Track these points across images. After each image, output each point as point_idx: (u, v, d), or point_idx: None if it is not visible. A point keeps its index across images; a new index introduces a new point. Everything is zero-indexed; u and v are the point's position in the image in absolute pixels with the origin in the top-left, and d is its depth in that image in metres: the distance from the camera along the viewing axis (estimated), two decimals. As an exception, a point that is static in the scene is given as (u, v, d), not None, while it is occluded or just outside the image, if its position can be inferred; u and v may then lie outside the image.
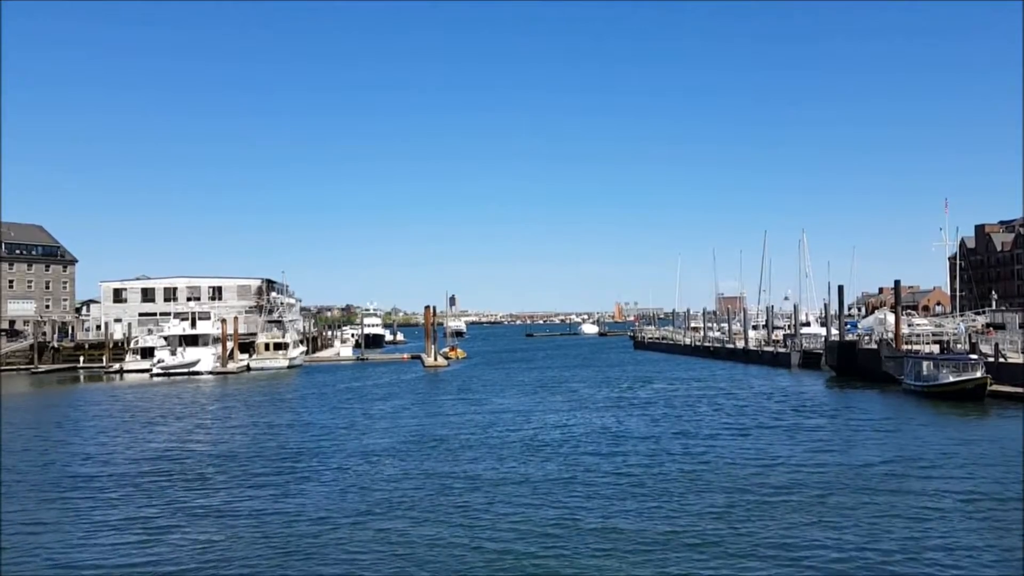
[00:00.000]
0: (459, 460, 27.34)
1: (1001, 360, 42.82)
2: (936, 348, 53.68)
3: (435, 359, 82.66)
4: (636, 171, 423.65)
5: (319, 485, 23.77)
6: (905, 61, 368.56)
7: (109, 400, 53.24)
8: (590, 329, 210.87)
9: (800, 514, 19.09)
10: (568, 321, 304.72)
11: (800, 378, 57.68)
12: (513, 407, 43.49)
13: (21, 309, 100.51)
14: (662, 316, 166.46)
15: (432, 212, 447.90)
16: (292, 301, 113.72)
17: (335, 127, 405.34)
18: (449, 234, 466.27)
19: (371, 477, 24.79)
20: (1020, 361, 43.00)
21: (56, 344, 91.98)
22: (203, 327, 78.87)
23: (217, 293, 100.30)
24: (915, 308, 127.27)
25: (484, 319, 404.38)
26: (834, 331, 63.04)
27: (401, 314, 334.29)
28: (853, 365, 55.79)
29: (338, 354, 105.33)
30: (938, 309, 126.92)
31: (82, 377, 77.24)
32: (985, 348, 45.64)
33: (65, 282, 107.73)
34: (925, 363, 43.97)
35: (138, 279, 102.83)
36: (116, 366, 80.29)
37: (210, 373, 73.93)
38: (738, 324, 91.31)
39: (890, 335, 58.52)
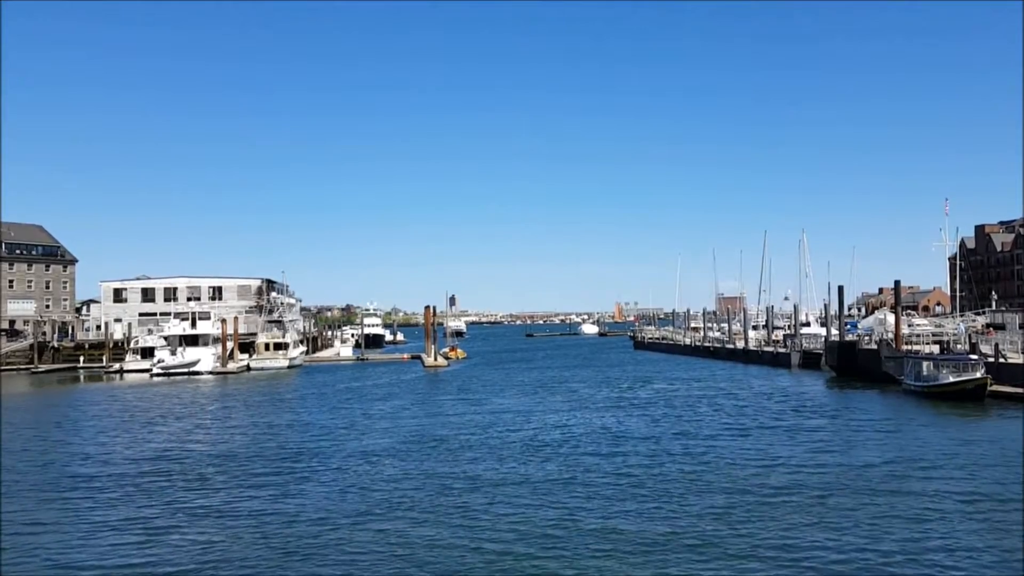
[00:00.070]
0: (459, 460, 27.33)
1: (1001, 360, 42.81)
2: (936, 348, 53.67)
3: (435, 359, 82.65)
4: (636, 171, 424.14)
5: (319, 485, 23.76)
6: (905, 61, 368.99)
7: (109, 400, 53.24)
8: (590, 329, 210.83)
9: (800, 515, 19.08)
10: (568, 321, 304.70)
11: (800, 378, 57.67)
12: (513, 407, 43.48)
13: (21, 309, 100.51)
14: (662, 316, 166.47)
15: (432, 212, 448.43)
16: (292, 301, 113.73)
17: (335, 127, 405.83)
18: (449, 234, 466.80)
19: (371, 477, 24.78)
20: (1020, 361, 42.98)
21: (56, 344, 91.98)
22: (203, 327, 78.87)
23: (217, 293, 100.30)
24: (915, 308, 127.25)
25: (484, 319, 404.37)
26: (834, 331, 63.02)
27: (401, 314, 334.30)
28: (853, 365, 55.78)
29: (338, 354, 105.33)
30: (938, 309, 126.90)
31: (82, 377, 77.24)
32: (985, 348, 45.63)
33: (65, 282, 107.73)
34: (925, 363, 43.96)
35: (138, 279, 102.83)
36: (116, 366, 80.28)
37: (210, 373, 73.92)
38: (738, 324, 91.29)
39: (890, 335, 58.49)
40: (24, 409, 48.44)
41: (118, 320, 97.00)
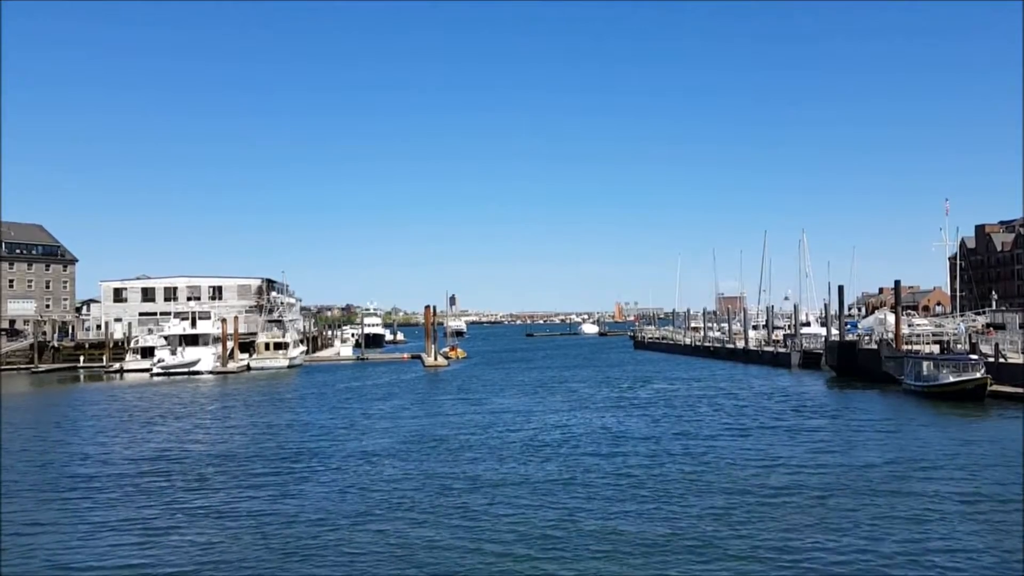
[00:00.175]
0: (459, 460, 27.31)
1: (1001, 360, 42.78)
2: (936, 348, 53.64)
3: (435, 359, 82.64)
4: (636, 171, 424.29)
5: (318, 485, 23.74)
6: (905, 61, 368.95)
7: (109, 400, 53.22)
8: (590, 329, 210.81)
9: (801, 515, 19.05)
10: (568, 321, 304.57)
11: (800, 378, 57.65)
12: (513, 407, 43.46)
13: (21, 309, 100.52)
14: (662, 316, 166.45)
15: (432, 212, 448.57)
16: (292, 301, 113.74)
17: (335, 127, 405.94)
18: (449, 234, 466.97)
19: (370, 477, 24.76)
20: (1020, 361, 42.94)
21: (56, 344, 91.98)
22: (203, 327, 78.85)
23: (217, 293, 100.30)
24: (915, 308, 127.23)
25: (484, 319, 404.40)
26: (834, 331, 63.00)
27: (401, 314, 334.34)
28: (853, 365, 55.75)
29: (338, 354, 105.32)
30: (938, 309, 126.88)
31: (82, 377, 77.23)
32: (985, 348, 45.61)
33: (65, 282, 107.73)
34: (925, 363, 43.94)
35: (138, 279, 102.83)
36: (116, 366, 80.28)
37: (210, 373, 73.91)
38: (738, 324, 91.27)
39: (890, 335, 58.47)
40: (24, 409, 48.43)
41: (118, 320, 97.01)
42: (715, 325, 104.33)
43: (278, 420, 40.03)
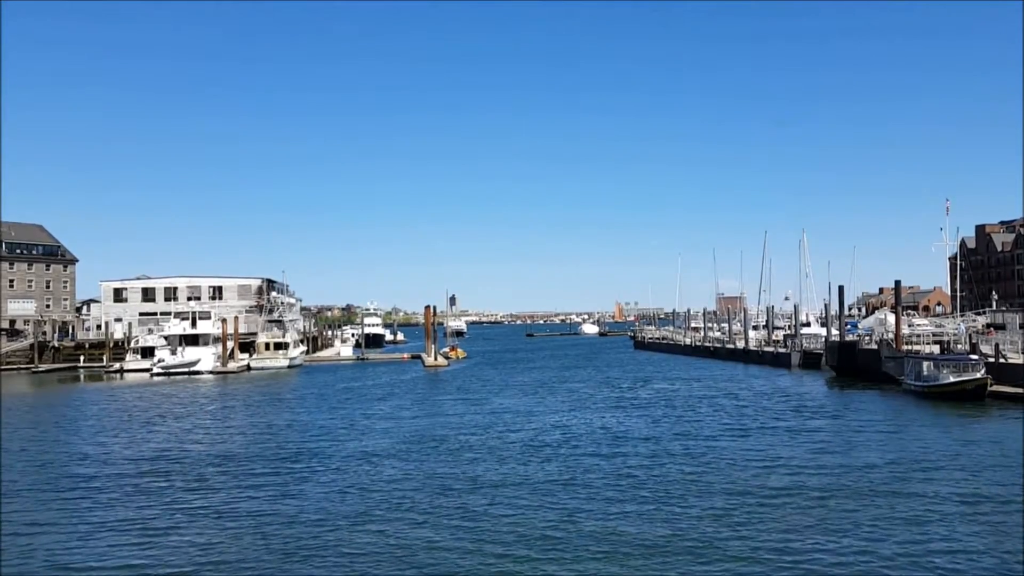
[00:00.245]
0: (459, 461, 27.30)
1: (1001, 360, 42.76)
2: (936, 348, 53.63)
3: (435, 359, 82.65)
4: (636, 171, 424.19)
5: (318, 486, 23.73)
6: (905, 61, 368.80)
7: (109, 400, 53.22)
8: (590, 329, 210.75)
9: (801, 516, 19.03)
10: (568, 321, 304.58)
11: (800, 378, 57.64)
12: (513, 407, 43.45)
13: (21, 308, 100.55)
14: (662, 316, 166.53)
15: (432, 212, 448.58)
16: (292, 301, 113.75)
17: (335, 127, 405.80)
18: (449, 234, 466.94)
19: (371, 478, 24.75)
20: (1020, 361, 42.92)
21: (56, 343, 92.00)
22: (203, 327, 78.85)
23: (217, 293, 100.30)
24: (915, 308, 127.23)
25: (484, 319, 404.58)
26: (834, 331, 63.01)
27: (401, 314, 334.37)
28: (853, 365, 55.75)
29: (338, 354, 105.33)
30: (938, 309, 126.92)
31: (82, 377, 77.24)
32: (985, 348, 45.61)
33: (65, 282, 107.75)
34: (925, 363, 43.92)
35: (138, 279, 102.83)
36: (116, 366, 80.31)
37: (210, 373, 73.92)
38: (738, 324, 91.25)
39: (890, 335, 58.45)
40: (24, 409, 48.42)
41: (118, 320, 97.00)
42: (715, 325, 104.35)
43: (278, 420, 40.03)
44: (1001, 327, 68.54)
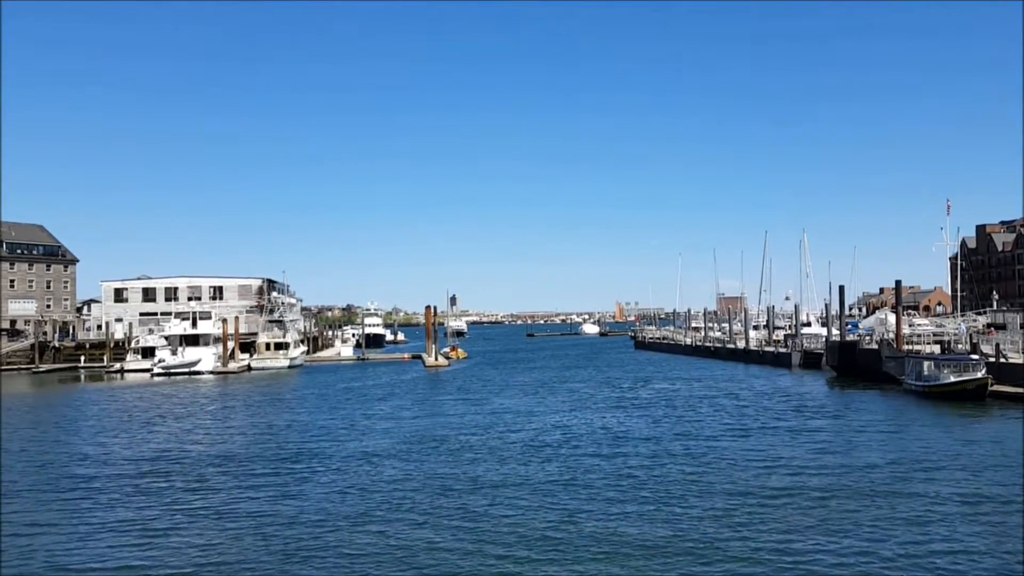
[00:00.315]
0: (459, 461, 27.29)
1: (1002, 360, 42.75)
2: (937, 348, 53.62)
3: (436, 359, 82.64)
4: (636, 171, 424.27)
5: (319, 486, 23.71)
6: (905, 61, 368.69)
7: (109, 400, 53.22)
8: (591, 329, 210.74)
9: (802, 517, 19.01)
10: (569, 321, 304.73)
11: (801, 378, 57.62)
12: (514, 407, 43.44)
13: (22, 309, 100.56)
14: (663, 316, 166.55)
15: (432, 212, 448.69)
16: (293, 301, 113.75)
17: (336, 127, 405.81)
18: (449, 234, 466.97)
19: (371, 478, 24.74)
20: (1021, 361, 42.90)
21: (57, 344, 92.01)
22: (204, 327, 78.82)
23: (218, 293, 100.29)
24: (916, 308, 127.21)
25: (485, 319, 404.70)
26: (835, 331, 62.99)
27: (402, 314, 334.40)
28: (854, 365, 55.73)
29: (339, 354, 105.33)
30: (939, 309, 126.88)
31: (83, 377, 77.24)
32: (986, 348, 45.61)
33: (66, 282, 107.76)
34: (926, 363, 43.91)
35: (139, 279, 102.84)
36: (117, 366, 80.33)
37: (211, 373, 73.92)
38: (739, 324, 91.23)
39: (891, 335, 58.43)
40: (24, 409, 48.41)
41: (119, 320, 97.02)
42: (716, 325, 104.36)
43: (278, 420, 40.02)
44: (1002, 327, 68.50)
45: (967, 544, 16.70)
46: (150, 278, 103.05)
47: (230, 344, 79.26)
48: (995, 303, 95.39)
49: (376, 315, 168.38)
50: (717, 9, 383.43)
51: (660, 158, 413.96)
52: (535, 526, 18.58)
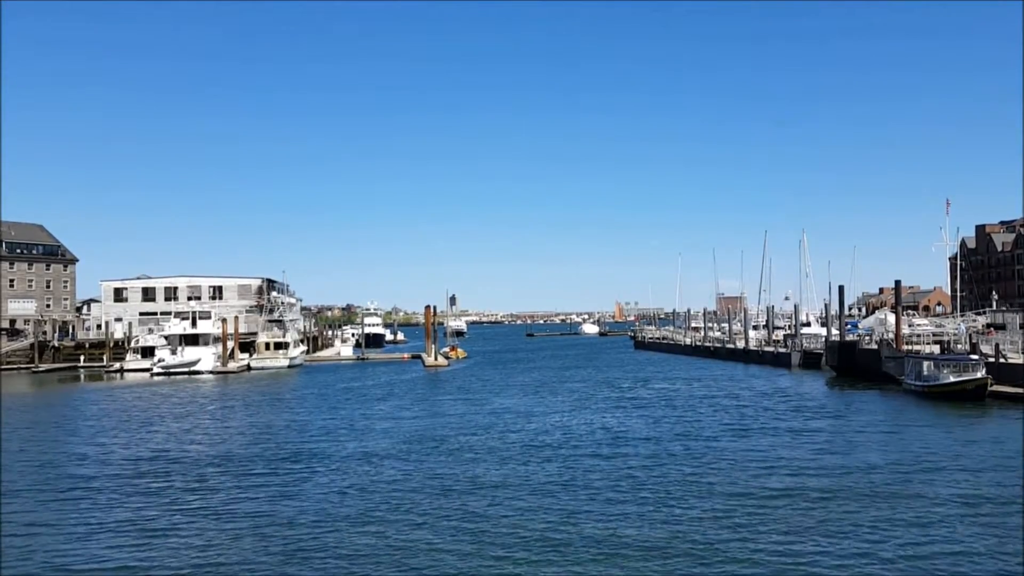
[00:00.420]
0: (459, 461, 27.28)
1: (1002, 360, 42.74)
2: (936, 348, 53.62)
3: (435, 359, 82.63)
4: (636, 171, 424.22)
5: (318, 486, 23.70)
6: (905, 61, 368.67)
7: (109, 400, 53.21)
8: (590, 329, 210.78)
9: (802, 518, 19.00)
10: (568, 321, 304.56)
11: (801, 378, 57.61)
12: (513, 407, 43.43)
13: (22, 308, 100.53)
14: (662, 316, 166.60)
15: (432, 212, 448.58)
16: (292, 300, 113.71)
17: (335, 127, 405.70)
18: (449, 234, 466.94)
19: (371, 478, 24.72)
20: (1021, 361, 42.91)
21: (57, 343, 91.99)
22: (204, 326, 78.84)
23: (218, 292, 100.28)
24: (915, 308, 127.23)
25: (484, 319, 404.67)
26: (834, 331, 62.99)
27: (401, 314, 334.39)
28: (853, 365, 55.73)
29: (338, 353, 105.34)
30: (939, 309, 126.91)
31: (82, 376, 77.23)
32: (986, 348, 45.59)
33: (66, 281, 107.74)
34: (926, 363, 43.92)
35: (139, 278, 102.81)
36: (117, 365, 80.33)
37: (210, 372, 73.92)
38: (738, 324, 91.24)
39: (890, 335, 58.44)
40: (24, 409, 48.40)
41: (118, 319, 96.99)
42: (715, 325, 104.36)
43: (278, 420, 40.01)
44: (1001, 327, 68.53)
45: (967, 545, 16.70)
46: (150, 278, 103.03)
47: (230, 344, 79.24)
48: (995, 303, 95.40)
49: (376, 315, 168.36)
50: (717, 9, 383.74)
51: (660, 158, 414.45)
52: (534, 527, 18.57)
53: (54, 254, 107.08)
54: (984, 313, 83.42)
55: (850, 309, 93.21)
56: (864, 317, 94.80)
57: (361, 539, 17.97)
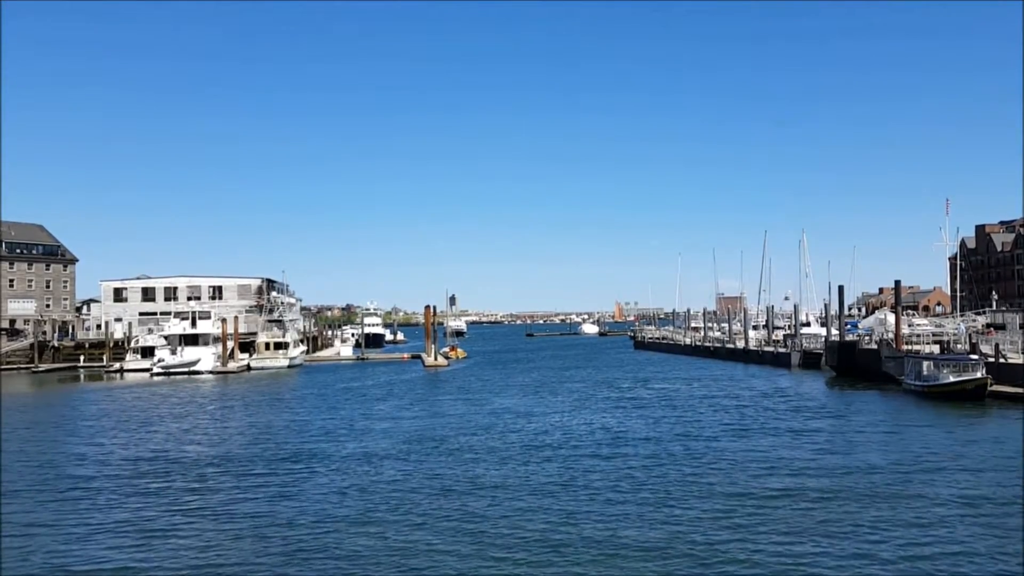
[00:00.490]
0: (459, 462, 27.27)
1: (1001, 360, 42.74)
2: (936, 348, 53.62)
3: (435, 359, 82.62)
4: (636, 171, 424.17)
5: (318, 487, 23.68)
6: (905, 61, 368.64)
7: (108, 400, 53.19)
8: (590, 329, 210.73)
9: (802, 519, 18.98)
10: (568, 321, 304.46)
11: (800, 378, 57.61)
12: (513, 407, 43.42)
13: (21, 308, 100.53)
14: (662, 316, 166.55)
15: (432, 212, 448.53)
16: (292, 300, 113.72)
17: (335, 127, 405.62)
18: (449, 234, 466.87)
19: (370, 479, 24.71)
20: (1020, 361, 42.90)
21: (56, 343, 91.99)
22: (203, 326, 78.85)
23: (217, 292, 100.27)
24: (915, 308, 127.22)
25: (484, 319, 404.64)
26: (834, 331, 62.97)
27: (401, 314, 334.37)
28: (853, 365, 55.72)
29: (338, 353, 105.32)
30: (938, 309, 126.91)
31: (82, 376, 77.23)
32: (985, 348, 45.58)
33: (65, 281, 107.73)
34: (925, 363, 43.92)
35: (138, 278, 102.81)
36: (116, 365, 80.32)
37: (210, 372, 73.91)
38: (738, 324, 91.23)
39: (890, 335, 58.44)
40: (23, 409, 48.39)
41: (118, 319, 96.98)
42: (715, 325, 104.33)
43: (278, 420, 40.00)
44: (1001, 327, 68.53)
45: (968, 546, 16.68)
46: (150, 278, 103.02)
47: (229, 344, 79.22)
48: (994, 303, 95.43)
49: (375, 315, 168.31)
50: (717, 9, 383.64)
51: (660, 158, 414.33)
52: (534, 527, 18.56)
53: (54, 254, 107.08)
54: (984, 313, 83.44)
55: (850, 309, 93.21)
56: (864, 317, 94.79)
57: (361, 540, 17.95)
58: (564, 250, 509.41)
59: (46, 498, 22.92)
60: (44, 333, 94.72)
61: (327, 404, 47.15)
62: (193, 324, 78.72)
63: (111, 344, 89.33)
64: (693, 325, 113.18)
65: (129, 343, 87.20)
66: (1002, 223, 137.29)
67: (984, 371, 40.79)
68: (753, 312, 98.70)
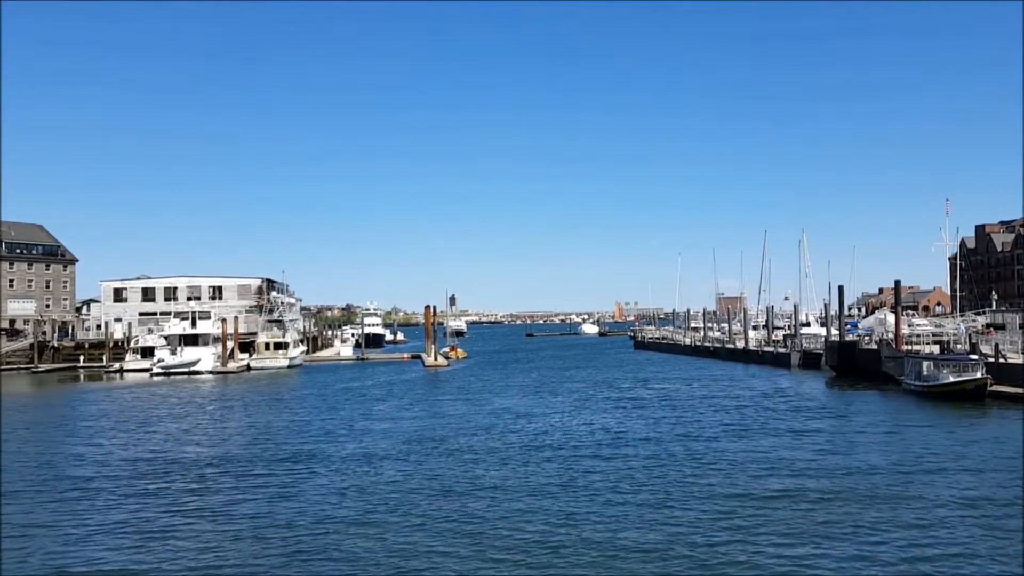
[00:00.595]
0: (459, 462, 27.24)
1: (1001, 360, 42.73)
2: (936, 348, 53.61)
3: (435, 359, 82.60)
4: (636, 171, 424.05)
5: (317, 487, 23.66)
6: (905, 61, 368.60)
7: (108, 400, 53.17)
8: (590, 329, 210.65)
9: (803, 520, 18.95)
10: (568, 321, 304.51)
11: (800, 378, 57.59)
12: (513, 407, 43.40)
13: (21, 308, 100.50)
14: (662, 316, 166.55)
15: (432, 212, 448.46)
16: (292, 301, 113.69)
17: (335, 127, 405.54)
18: (449, 234, 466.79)
19: (370, 479, 24.69)
20: (1020, 361, 42.89)
21: (56, 343, 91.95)
22: (203, 327, 78.81)
23: (217, 293, 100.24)
24: (915, 308, 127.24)
25: (484, 319, 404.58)
26: (834, 331, 62.96)
27: (401, 314, 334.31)
28: (853, 365, 55.71)
29: (338, 354, 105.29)
30: (938, 309, 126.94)
31: (82, 376, 77.20)
32: (985, 348, 45.56)
33: (65, 281, 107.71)
34: (925, 363, 43.91)
35: (138, 279, 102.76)
36: (116, 365, 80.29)
37: (210, 373, 73.89)
38: (738, 324, 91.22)
39: (890, 335, 58.43)
40: (23, 409, 48.36)
41: (118, 320, 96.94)
42: (715, 325, 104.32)
43: (277, 421, 39.98)
44: (1001, 327, 68.53)
45: (968, 547, 16.66)
46: (149, 278, 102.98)
47: (229, 344, 79.21)
48: (994, 303, 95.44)
49: (375, 315, 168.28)
50: (717, 9, 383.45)
51: (660, 158, 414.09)
52: (534, 528, 18.54)
53: (54, 254, 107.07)
54: (984, 313, 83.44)
55: (850, 309, 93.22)
56: (864, 317, 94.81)
57: (360, 541, 17.93)
58: (564, 250, 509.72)
59: (45, 499, 22.90)
60: (44, 333, 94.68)
61: (327, 404, 47.12)
62: (193, 324, 78.69)
63: (111, 344, 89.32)
64: (693, 325, 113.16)
65: (129, 343, 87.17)
66: (1002, 223, 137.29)
67: (984, 371, 40.78)
68: (753, 312, 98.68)
